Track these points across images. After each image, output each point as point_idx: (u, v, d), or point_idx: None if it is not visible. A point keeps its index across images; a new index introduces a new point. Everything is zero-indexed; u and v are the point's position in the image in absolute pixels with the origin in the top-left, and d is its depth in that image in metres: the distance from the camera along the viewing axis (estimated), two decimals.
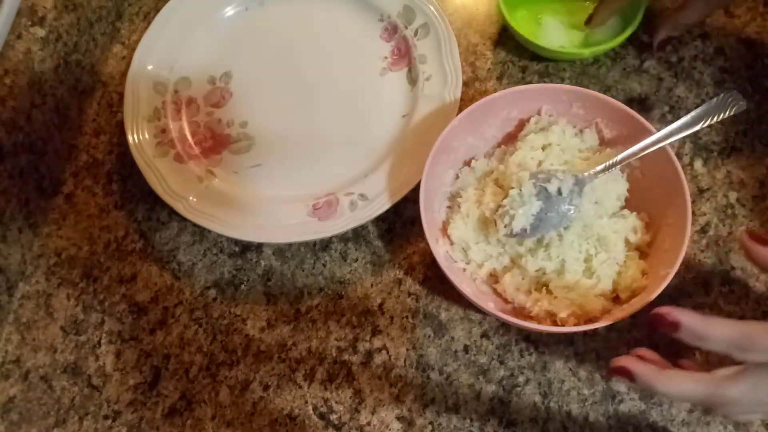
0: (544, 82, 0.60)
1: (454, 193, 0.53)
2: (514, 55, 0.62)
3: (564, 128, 0.52)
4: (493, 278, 0.51)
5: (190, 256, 0.57)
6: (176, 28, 0.63)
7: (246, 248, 0.57)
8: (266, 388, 0.52)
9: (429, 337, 0.52)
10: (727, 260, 0.52)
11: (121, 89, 0.62)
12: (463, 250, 0.51)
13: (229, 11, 0.64)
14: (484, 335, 0.52)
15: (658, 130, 0.48)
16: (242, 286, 0.56)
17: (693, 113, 0.48)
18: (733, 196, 0.55)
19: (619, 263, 0.48)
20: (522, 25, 0.60)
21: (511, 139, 0.54)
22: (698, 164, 0.56)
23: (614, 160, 0.48)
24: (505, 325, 0.52)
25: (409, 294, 0.54)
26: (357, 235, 0.57)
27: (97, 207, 0.60)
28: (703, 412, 0.48)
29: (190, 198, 0.56)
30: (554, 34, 0.59)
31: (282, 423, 0.51)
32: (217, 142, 0.60)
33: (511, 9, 0.59)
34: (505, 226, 0.48)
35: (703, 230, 0.54)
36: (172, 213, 0.58)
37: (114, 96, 0.65)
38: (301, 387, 0.52)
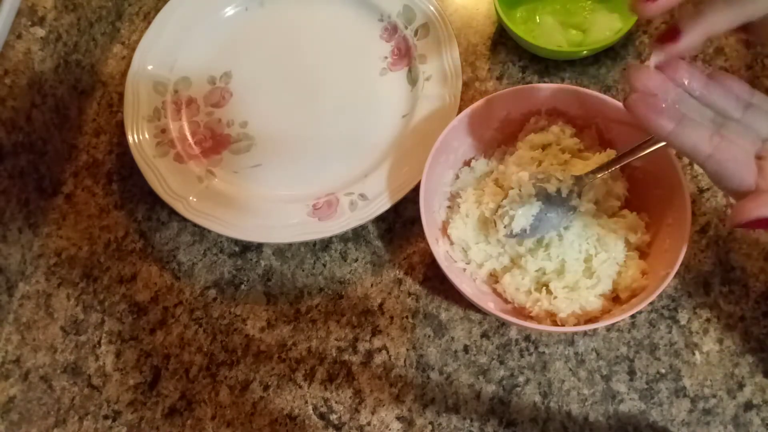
0: (544, 81, 0.60)
1: (453, 193, 0.53)
2: (513, 55, 0.62)
3: (564, 128, 0.52)
4: (493, 278, 0.51)
5: (190, 256, 0.57)
6: (176, 28, 0.63)
7: (246, 248, 0.57)
8: (266, 388, 0.52)
9: (429, 337, 0.52)
10: (727, 260, 0.52)
11: (121, 89, 0.62)
12: (463, 250, 0.51)
13: (229, 11, 0.64)
14: (484, 335, 0.52)
15: None
16: (242, 286, 0.56)
17: None
18: None
19: (619, 263, 0.48)
20: (519, 25, 0.60)
21: (511, 139, 0.54)
22: None
23: (614, 160, 0.48)
24: (505, 325, 0.52)
25: (409, 294, 0.54)
26: (357, 235, 0.57)
27: (97, 207, 0.60)
28: None
29: (190, 198, 0.56)
30: (552, 33, 0.59)
31: (282, 423, 0.51)
32: (217, 142, 0.60)
33: (509, 9, 0.59)
34: (504, 227, 0.48)
35: (703, 230, 0.54)
36: (172, 213, 0.58)
37: (114, 96, 0.65)
38: (301, 387, 0.52)
